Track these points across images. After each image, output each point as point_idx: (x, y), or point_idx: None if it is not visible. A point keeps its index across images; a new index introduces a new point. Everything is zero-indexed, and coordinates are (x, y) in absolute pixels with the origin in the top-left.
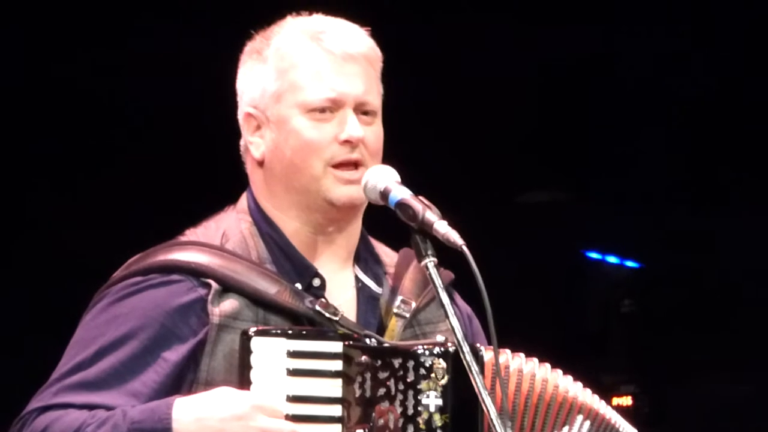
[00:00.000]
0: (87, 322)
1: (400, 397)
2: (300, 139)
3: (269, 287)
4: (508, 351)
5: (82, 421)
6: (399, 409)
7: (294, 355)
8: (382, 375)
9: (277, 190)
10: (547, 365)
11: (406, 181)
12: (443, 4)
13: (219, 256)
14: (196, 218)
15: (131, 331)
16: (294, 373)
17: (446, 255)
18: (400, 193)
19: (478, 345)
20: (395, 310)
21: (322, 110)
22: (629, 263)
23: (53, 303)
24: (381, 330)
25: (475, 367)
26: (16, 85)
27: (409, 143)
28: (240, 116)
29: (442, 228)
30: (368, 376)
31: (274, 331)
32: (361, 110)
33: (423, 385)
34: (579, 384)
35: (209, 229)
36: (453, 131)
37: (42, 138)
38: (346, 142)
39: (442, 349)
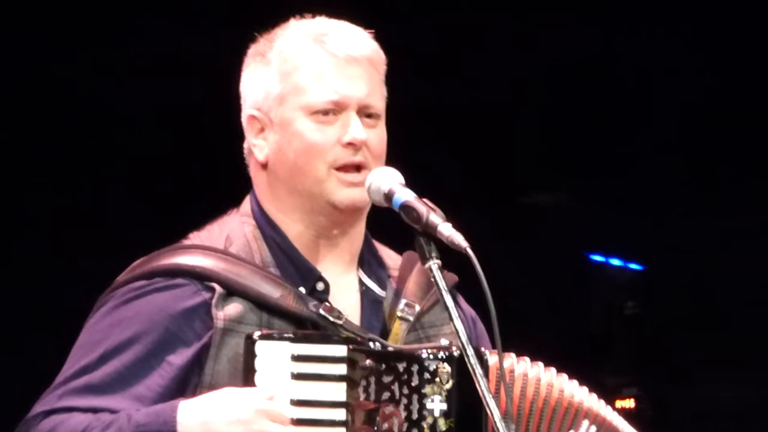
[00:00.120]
0: (91, 325)
1: (404, 401)
2: (303, 141)
3: (273, 291)
4: (513, 355)
5: (86, 425)
6: (403, 414)
7: (298, 359)
8: (387, 379)
9: (281, 193)
10: (553, 369)
11: (409, 183)
12: (444, 5)
13: (223, 260)
14: (196, 219)
15: (136, 335)
16: (298, 377)
17: (450, 257)
18: (404, 195)
19: (482, 349)
20: (399, 314)
21: (326, 113)
22: (632, 265)
23: (53, 304)
24: (385, 334)
25: (479, 371)
26: (17, 85)
27: (411, 145)
28: (243, 119)
29: (447, 230)
30: (372, 380)
31: (278, 335)
32: (365, 113)
33: (427, 389)
34: (585, 389)
35: (213, 233)
36: (456, 133)
37: (42, 138)
38: (349, 144)
39: (447, 353)
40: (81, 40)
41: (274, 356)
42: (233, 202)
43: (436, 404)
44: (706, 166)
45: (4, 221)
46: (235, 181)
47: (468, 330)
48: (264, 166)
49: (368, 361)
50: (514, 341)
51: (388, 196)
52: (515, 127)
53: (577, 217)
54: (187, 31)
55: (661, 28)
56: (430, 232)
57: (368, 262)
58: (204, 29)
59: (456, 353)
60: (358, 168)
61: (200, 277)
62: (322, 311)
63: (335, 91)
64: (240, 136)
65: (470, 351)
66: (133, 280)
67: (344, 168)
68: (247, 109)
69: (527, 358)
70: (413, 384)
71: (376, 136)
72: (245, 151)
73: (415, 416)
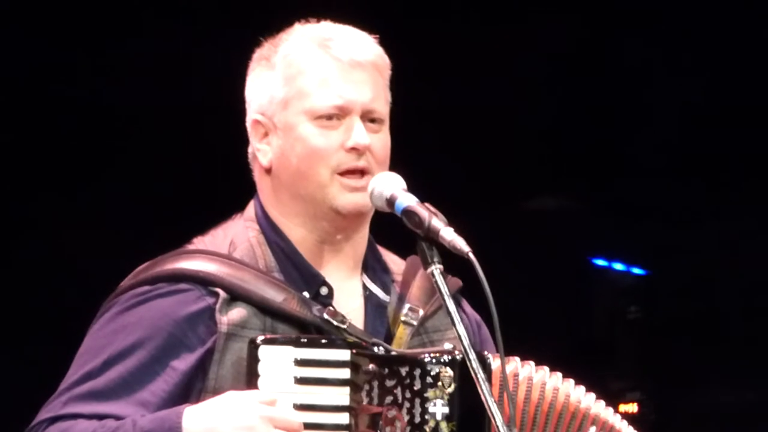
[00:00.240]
0: (95, 331)
1: (407, 405)
2: (307, 146)
3: (277, 296)
4: (517, 359)
5: (92, 431)
6: (406, 417)
7: (302, 363)
8: (390, 383)
9: (284, 198)
10: (558, 374)
11: (412, 188)
12: (447, 9)
13: (227, 265)
14: (198, 221)
15: (139, 340)
16: (302, 381)
17: (453, 262)
18: (407, 200)
19: (485, 353)
20: (403, 318)
21: (329, 117)
22: (635, 270)
23: (53, 304)
24: (389, 338)
25: (481, 375)
26: (17, 85)
27: (414, 150)
28: (248, 123)
29: (449, 235)
30: (375, 384)
31: (281, 340)
32: (368, 118)
33: (430, 393)
34: (592, 394)
35: (217, 238)
36: (458, 137)
37: (43, 139)
38: (353, 149)
39: (449, 357)
40: (82, 40)
41: (278, 361)
42: (236, 203)
43: (439, 408)
44: (709, 169)
45: (4, 221)
46: (239, 187)
47: (472, 334)
48: (268, 170)
49: (371, 365)
50: (517, 345)
51: (391, 201)
52: (517, 131)
53: (580, 222)
54: (190, 32)
55: (662, 27)
56: (433, 237)
57: (372, 267)
58: (207, 30)
59: (458, 357)
60: (361, 173)
61: (204, 282)
62: (325, 315)
63: (339, 95)
64: (244, 140)
65: (472, 355)
66: (137, 285)
67: (347, 173)
68: (252, 114)
69: (532, 362)
70: (416, 388)
71: (380, 141)
72: (250, 156)
73: (417, 420)
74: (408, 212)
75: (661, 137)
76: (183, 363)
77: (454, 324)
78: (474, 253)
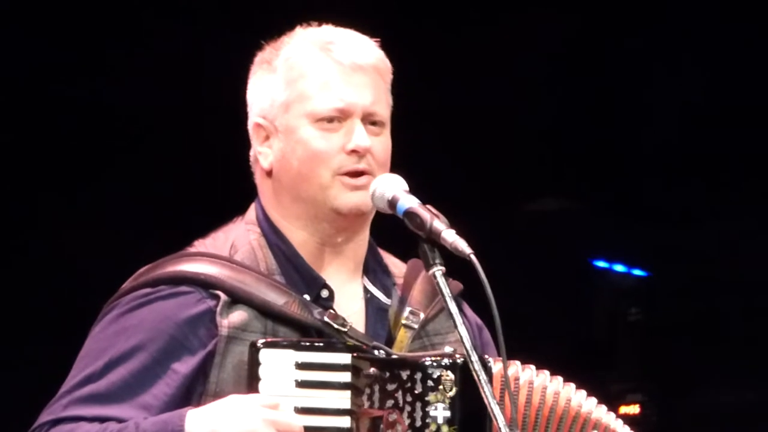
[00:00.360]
0: (96, 333)
1: (408, 408)
2: (307, 148)
3: (278, 299)
4: (518, 363)
5: None
6: (407, 421)
7: (303, 366)
8: (391, 387)
9: (285, 201)
10: (560, 378)
11: (413, 190)
12: (449, 10)
13: (228, 268)
14: (199, 222)
15: (140, 343)
16: (303, 384)
17: (454, 264)
18: (408, 201)
19: (486, 356)
20: (404, 321)
21: (330, 120)
22: (636, 272)
23: (53, 305)
24: (390, 341)
25: (483, 378)
26: (19, 85)
27: (414, 151)
28: (249, 126)
29: (450, 237)
30: (376, 387)
31: (282, 343)
32: (369, 120)
33: (431, 396)
34: (593, 399)
35: (218, 240)
36: (459, 139)
37: (44, 139)
38: (353, 152)
39: (450, 360)
40: (83, 40)
41: (279, 364)
42: (239, 209)
43: (440, 412)
44: (709, 169)
45: (5, 221)
46: (241, 189)
47: (473, 338)
48: (269, 173)
49: (372, 369)
50: (518, 347)
51: (392, 203)
52: (518, 131)
53: (580, 223)
54: (191, 32)
55: (662, 27)
56: (434, 239)
57: (373, 269)
58: (207, 30)
59: (459, 361)
60: (362, 175)
61: (205, 284)
62: (326, 319)
63: (340, 98)
64: (245, 142)
65: (474, 358)
66: (138, 287)
67: (348, 174)
68: (253, 117)
69: (533, 366)
70: (417, 391)
71: (381, 143)
72: (251, 159)
73: (418, 423)
74: (410, 214)
75: (661, 137)
76: (184, 366)
77: (456, 326)
78: (475, 254)
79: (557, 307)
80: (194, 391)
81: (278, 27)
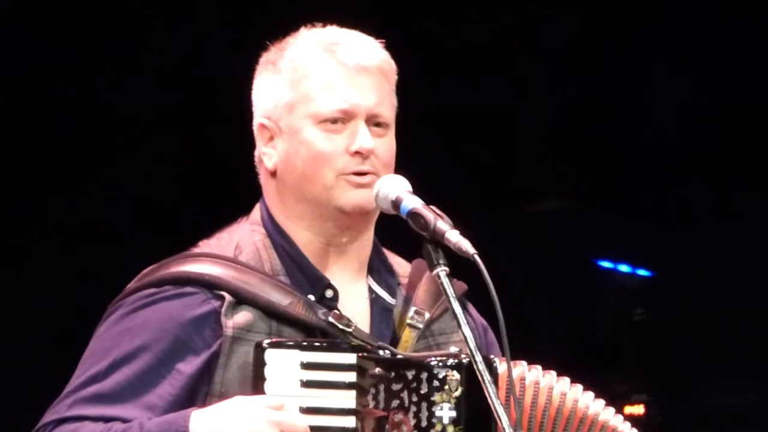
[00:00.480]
0: (101, 333)
1: (413, 408)
2: (311, 150)
3: (282, 299)
4: (524, 363)
5: None
6: (412, 421)
7: (308, 366)
8: (396, 387)
9: (289, 201)
10: (566, 379)
11: (416, 191)
12: (449, 10)
13: (232, 268)
14: (204, 224)
15: (145, 343)
16: (308, 384)
17: (458, 265)
18: (412, 202)
19: (491, 356)
20: (409, 321)
21: (334, 121)
22: (641, 272)
23: (58, 307)
24: (395, 341)
25: (488, 378)
26: (22, 86)
27: (416, 152)
28: (254, 127)
29: (454, 237)
30: (382, 387)
31: (288, 343)
32: (373, 122)
33: (436, 396)
34: (600, 401)
35: (222, 241)
36: (462, 140)
37: (44, 140)
38: (357, 153)
39: (456, 360)
40: (83, 40)
41: (284, 364)
42: (243, 210)
43: (445, 412)
44: (713, 171)
45: (6, 222)
46: (246, 190)
47: (478, 338)
48: (273, 174)
49: (377, 369)
50: (523, 348)
51: (396, 204)
52: (520, 132)
53: (585, 224)
54: (194, 33)
55: (662, 27)
56: (438, 240)
57: (378, 269)
58: (211, 31)
59: (465, 360)
60: (366, 175)
61: (209, 285)
62: (331, 319)
63: (344, 100)
64: (250, 143)
65: (479, 358)
66: (143, 288)
67: (353, 174)
68: (258, 118)
69: (539, 367)
70: (422, 391)
71: (385, 145)
72: (256, 160)
73: (424, 424)
74: (413, 214)
75: (662, 137)
76: (189, 366)
77: (460, 326)
78: (479, 255)
79: (562, 308)
80: (199, 392)
81: (278, 27)
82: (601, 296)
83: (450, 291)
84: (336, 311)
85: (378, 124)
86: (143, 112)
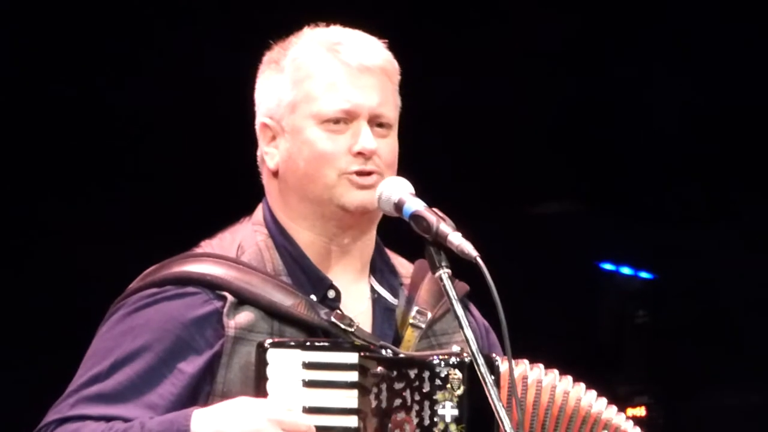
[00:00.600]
0: (103, 333)
1: (416, 407)
2: (314, 150)
3: (284, 299)
4: (526, 362)
5: None
6: (415, 420)
7: (310, 366)
8: (398, 386)
9: (292, 201)
10: (569, 378)
11: (419, 193)
12: (449, 10)
13: (234, 269)
14: (206, 224)
15: (147, 343)
16: (310, 384)
17: (460, 267)
18: (414, 204)
19: (493, 355)
20: (411, 321)
21: (336, 121)
22: (643, 274)
23: (60, 307)
24: (397, 341)
25: (489, 378)
26: (18, 86)
27: (418, 153)
28: (257, 126)
29: (456, 240)
30: (384, 386)
31: (290, 343)
32: (376, 122)
33: (439, 395)
34: (603, 399)
35: (224, 241)
36: (463, 140)
37: (44, 141)
38: (359, 154)
39: (458, 359)
40: (83, 40)
41: (286, 364)
42: (246, 210)
43: (448, 410)
44: (714, 171)
45: (6, 222)
46: (248, 189)
47: (480, 338)
48: (275, 173)
49: (379, 368)
50: (524, 350)
51: (399, 206)
52: (523, 133)
53: (587, 226)
54: (194, 33)
55: (662, 27)
56: (440, 242)
57: (380, 270)
58: (211, 32)
59: (467, 359)
60: (369, 175)
61: (211, 285)
62: (333, 319)
63: (347, 100)
64: (247, 142)
65: (480, 359)
66: (145, 288)
67: (355, 173)
68: (260, 117)
69: (541, 365)
70: (424, 390)
71: (387, 145)
72: (258, 159)
73: (426, 422)
74: (416, 217)
75: (662, 137)
76: (190, 366)
77: (461, 327)
78: (482, 257)
79: (563, 310)
80: (201, 392)
81: (278, 27)
82: (602, 298)
83: (452, 293)
84: (338, 311)
85: (381, 125)
86: (143, 112)
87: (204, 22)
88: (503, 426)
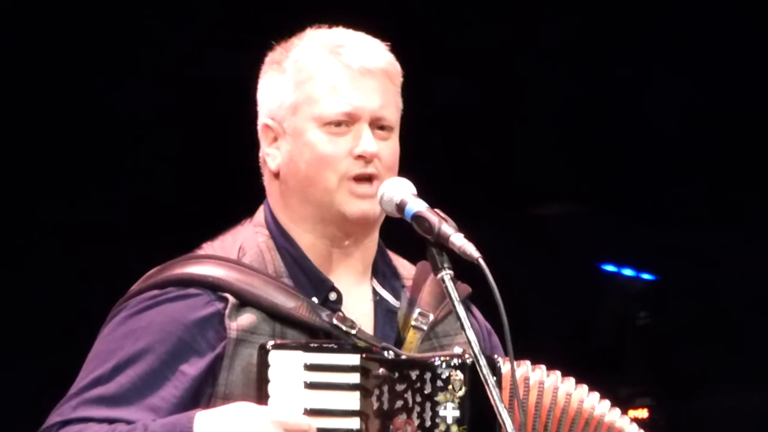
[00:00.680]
0: (105, 335)
1: (417, 409)
2: (315, 152)
3: (286, 301)
4: (528, 363)
5: None
6: (416, 422)
7: (311, 368)
8: (400, 387)
9: (293, 203)
10: (571, 380)
11: (421, 194)
12: (449, 11)
13: (236, 270)
14: (207, 226)
15: (149, 345)
16: (312, 386)
17: (462, 268)
18: (416, 205)
19: (495, 356)
20: (413, 323)
21: (338, 124)
22: (645, 276)
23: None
24: (399, 343)
25: (491, 380)
26: (20, 88)
27: (419, 154)
28: (258, 127)
29: (459, 241)
30: (386, 388)
31: (291, 345)
32: (377, 125)
33: (440, 396)
34: (606, 401)
35: (226, 243)
36: (467, 143)
37: (44, 141)
38: (360, 156)
39: (459, 360)
40: (83, 40)
41: (288, 366)
42: (248, 211)
43: (449, 411)
44: (714, 171)
45: (12, 226)
46: (250, 191)
47: (482, 340)
48: (276, 175)
49: (381, 370)
50: (526, 351)
51: (400, 207)
52: (522, 133)
53: (589, 228)
54: (194, 33)
55: (662, 27)
56: (442, 243)
57: (382, 272)
58: (211, 31)
59: (469, 361)
60: (369, 179)
61: (213, 287)
62: (335, 321)
63: (348, 102)
64: (246, 143)
65: (482, 361)
66: (146, 289)
67: (356, 178)
68: (262, 118)
69: (543, 367)
70: (426, 392)
71: (389, 148)
72: (260, 160)
73: (428, 424)
74: (418, 218)
75: (662, 137)
76: (193, 368)
77: (463, 329)
78: (484, 259)
79: (565, 311)
80: (203, 394)
81: (278, 27)
82: (604, 299)
83: (454, 294)
84: (339, 313)
85: (382, 127)
86: (143, 112)
87: (204, 22)
88: (505, 427)
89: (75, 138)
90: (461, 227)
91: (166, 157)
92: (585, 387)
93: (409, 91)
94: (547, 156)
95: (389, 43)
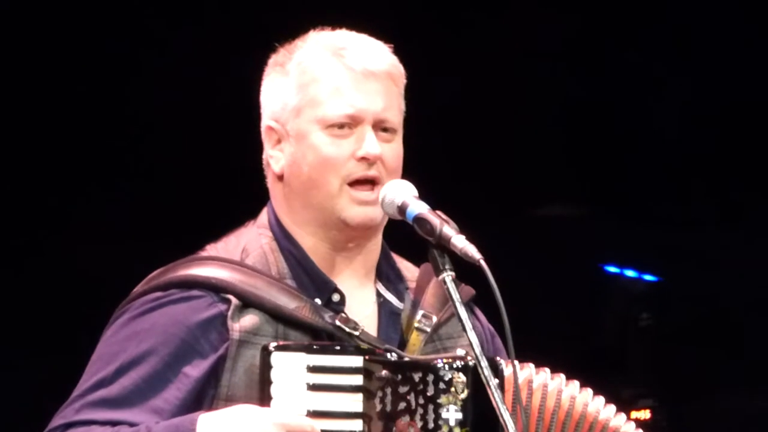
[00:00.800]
0: (108, 337)
1: (420, 411)
2: (318, 154)
3: (289, 303)
4: (531, 366)
5: None
6: (419, 424)
7: (314, 370)
8: (403, 389)
9: (296, 205)
10: (576, 383)
11: (422, 196)
12: (451, 11)
13: (239, 272)
14: (211, 227)
15: (152, 347)
16: (314, 387)
17: (464, 270)
18: (418, 207)
19: (497, 359)
20: (416, 325)
21: (341, 126)
22: (647, 277)
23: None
24: (402, 345)
25: (492, 382)
26: (20, 88)
27: (419, 154)
28: (262, 129)
29: (460, 242)
30: (388, 390)
31: (294, 346)
32: (380, 127)
33: (443, 398)
34: (612, 406)
35: (229, 244)
36: (469, 145)
37: (45, 141)
38: (363, 159)
39: (462, 362)
40: (83, 40)
41: (290, 367)
42: (251, 213)
43: (452, 414)
44: (723, 182)
45: (12, 226)
46: (254, 192)
47: (485, 343)
48: (280, 177)
49: (384, 372)
50: (528, 353)
51: (402, 209)
52: (522, 134)
53: (591, 229)
54: (194, 33)
55: (662, 27)
56: (444, 245)
57: (386, 274)
58: (210, 32)
59: (471, 363)
60: (372, 183)
61: (216, 288)
62: (338, 322)
63: (351, 105)
64: (249, 144)
65: (484, 363)
66: (149, 291)
67: (357, 183)
68: (266, 120)
69: (547, 369)
70: (429, 394)
71: (392, 150)
72: (264, 163)
73: (431, 426)
74: (419, 220)
75: (662, 137)
76: (195, 370)
77: (465, 331)
78: (485, 260)
79: (568, 313)
80: (206, 395)
81: (278, 27)
82: (606, 301)
83: (456, 296)
84: (343, 315)
85: (385, 130)
86: (143, 112)
87: (204, 22)
88: (507, 430)
89: (75, 138)
90: (462, 229)
91: (166, 157)
92: (589, 390)
93: (409, 91)
94: (548, 156)
95: (391, 45)
